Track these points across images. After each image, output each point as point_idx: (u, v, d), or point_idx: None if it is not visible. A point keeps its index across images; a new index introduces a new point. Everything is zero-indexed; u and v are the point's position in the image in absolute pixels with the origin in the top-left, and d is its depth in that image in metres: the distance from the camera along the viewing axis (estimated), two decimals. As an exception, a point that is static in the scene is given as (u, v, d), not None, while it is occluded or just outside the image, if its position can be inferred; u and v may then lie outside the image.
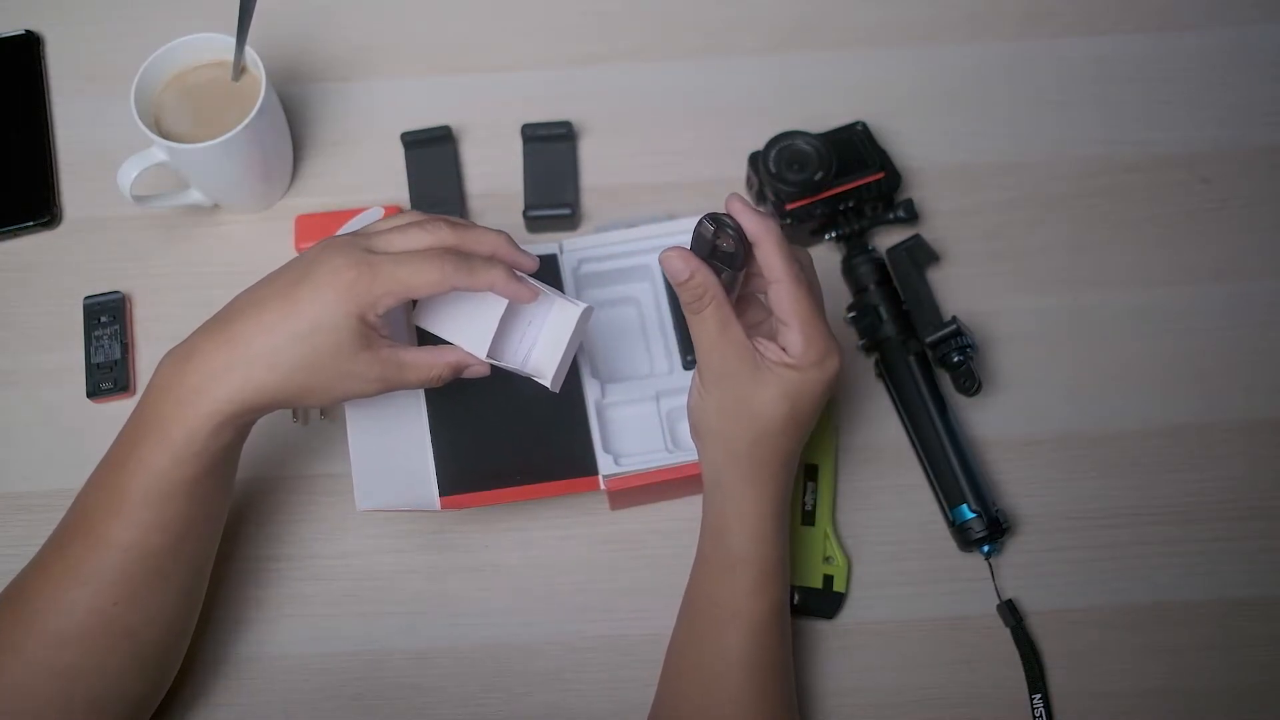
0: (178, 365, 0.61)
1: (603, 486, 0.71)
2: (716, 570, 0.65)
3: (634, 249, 0.77)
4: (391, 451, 0.70)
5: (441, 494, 0.70)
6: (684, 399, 0.70)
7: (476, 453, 0.71)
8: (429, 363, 0.63)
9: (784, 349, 0.61)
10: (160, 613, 0.64)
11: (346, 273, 0.59)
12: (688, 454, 0.70)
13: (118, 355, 0.79)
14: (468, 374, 0.65)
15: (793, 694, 0.67)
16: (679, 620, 0.67)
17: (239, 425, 0.61)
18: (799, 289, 0.60)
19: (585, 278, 0.77)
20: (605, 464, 0.71)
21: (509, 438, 0.72)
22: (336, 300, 0.59)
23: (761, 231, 0.60)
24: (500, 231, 0.64)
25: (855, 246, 0.80)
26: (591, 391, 0.73)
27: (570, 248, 0.77)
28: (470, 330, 0.65)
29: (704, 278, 0.60)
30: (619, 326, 0.78)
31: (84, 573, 0.61)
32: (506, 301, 0.63)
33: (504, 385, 0.73)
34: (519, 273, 0.63)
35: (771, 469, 0.63)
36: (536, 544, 0.74)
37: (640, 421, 0.73)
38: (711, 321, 0.61)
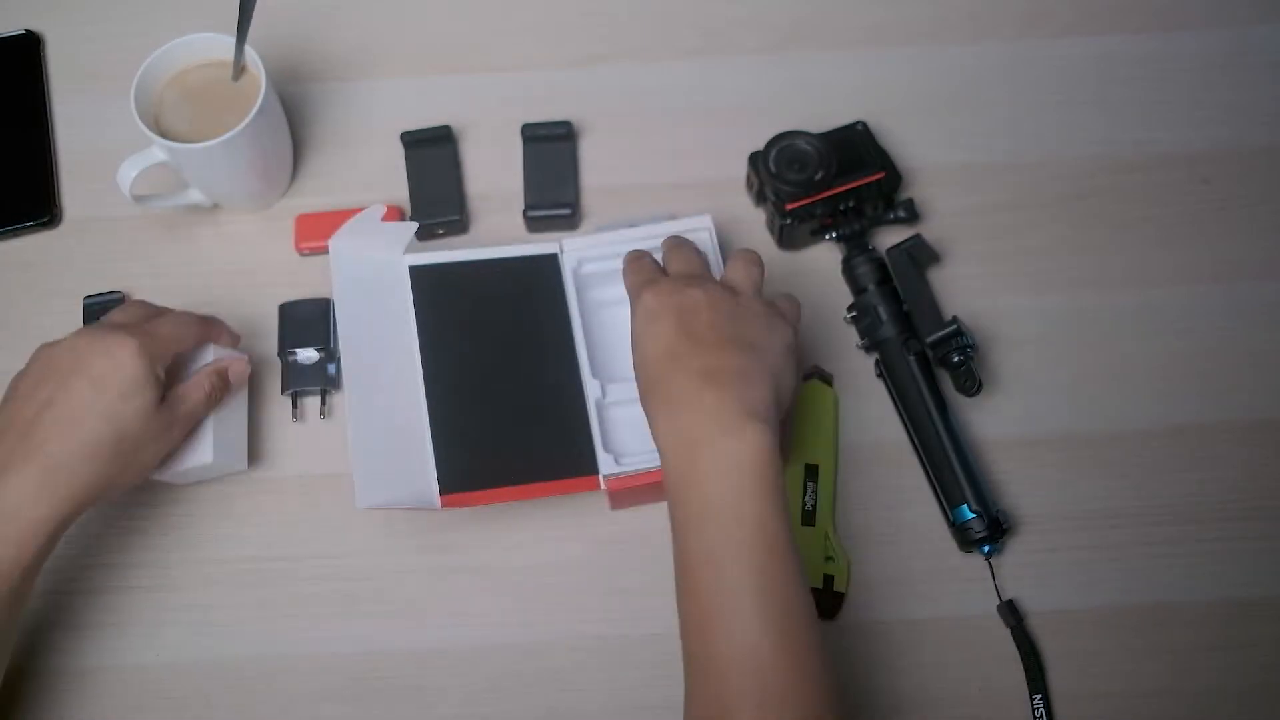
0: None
1: (603, 486, 0.71)
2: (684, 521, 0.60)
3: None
4: (392, 450, 0.70)
5: (442, 492, 0.70)
6: None
7: (477, 452, 0.71)
8: (195, 382, 0.70)
9: None
10: None
11: (129, 339, 0.65)
12: None
13: (117, 355, 0.79)
14: (233, 375, 0.73)
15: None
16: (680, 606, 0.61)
17: (65, 530, 0.63)
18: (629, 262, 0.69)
19: (585, 278, 0.77)
20: (606, 463, 0.71)
21: (510, 437, 0.72)
22: (132, 359, 0.64)
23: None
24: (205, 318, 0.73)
25: (855, 246, 0.80)
26: (592, 391, 0.73)
27: (570, 248, 0.77)
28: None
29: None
30: (620, 326, 0.78)
31: None
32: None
33: (505, 385, 0.73)
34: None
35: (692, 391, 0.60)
36: (536, 544, 0.74)
37: (641, 421, 0.73)
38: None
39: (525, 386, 0.73)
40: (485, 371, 0.74)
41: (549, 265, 0.76)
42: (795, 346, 0.65)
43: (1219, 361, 0.79)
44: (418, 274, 0.76)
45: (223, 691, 0.71)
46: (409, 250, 0.76)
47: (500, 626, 0.72)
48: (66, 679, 0.71)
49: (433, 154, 0.85)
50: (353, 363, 0.71)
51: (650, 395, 0.63)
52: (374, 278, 0.75)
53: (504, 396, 0.73)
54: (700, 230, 0.77)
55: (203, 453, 0.71)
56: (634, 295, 0.66)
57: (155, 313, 0.71)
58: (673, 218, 0.79)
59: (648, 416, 0.63)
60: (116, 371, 0.63)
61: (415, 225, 0.76)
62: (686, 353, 0.62)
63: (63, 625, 0.72)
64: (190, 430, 0.70)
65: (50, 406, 0.62)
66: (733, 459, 0.58)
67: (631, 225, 0.78)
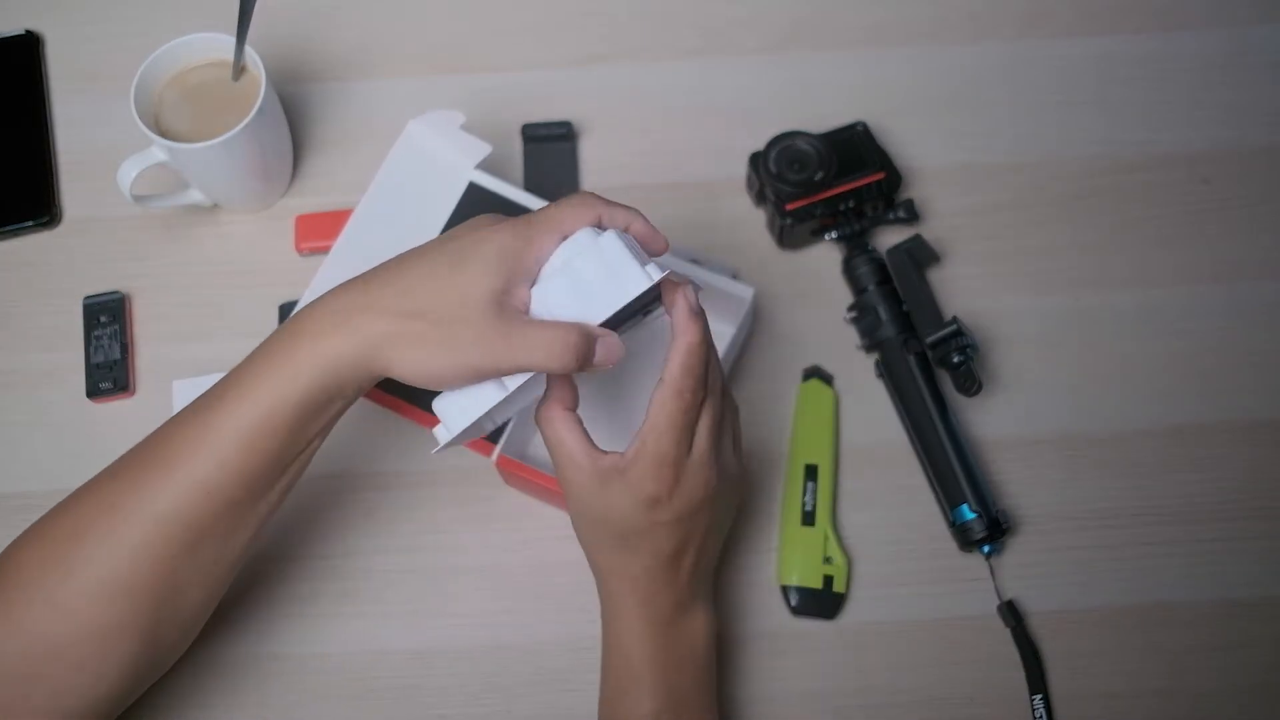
0: (313, 306, 0.58)
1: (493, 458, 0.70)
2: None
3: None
4: None
5: None
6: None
7: None
8: (552, 335, 0.56)
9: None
10: (211, 574, 0.60)
11: (504, 229, 0.57)
12: None
13: (117, 355, 0.79)
14: (603, 352, 0.57)
15: None
16: None
17: (352, 372, 0.57)
18: (675, 401, 0.57)
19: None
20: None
21: None
22: (494, 249, 0.56)
23: (683, 327, 0.57)
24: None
25: (855, 247, 0.80)
26: None
27: None
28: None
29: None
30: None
31: (157, 510, 0.57)
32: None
33: None
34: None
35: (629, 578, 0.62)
36: (536, 544, 0.74)
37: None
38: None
39: None
40: None
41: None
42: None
43: (1219, 361, 0.79)
44: (473, 190, 0.77)
45: (222, 691, 0.71)
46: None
47: (500, 626, 0.72)
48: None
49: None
50: (347, 242, 0.74)
51: (613, 546, 0.62)
52: (422, 175, 0.77)
53: None
54: (741, 298, 0.74)
55: None
56: (676, 427, 0.58)
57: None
58: (735, 275, 0.78)
59: (599, 555, 0.63)
60: (474, 246, 0.57)
61: (490, 147, 0.77)
62: (684, 540, 0.62)
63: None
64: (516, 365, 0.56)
65: (404, 255, 0.59)
66: (695, 646, 0.64)
67: (693, 262, 0.76)
